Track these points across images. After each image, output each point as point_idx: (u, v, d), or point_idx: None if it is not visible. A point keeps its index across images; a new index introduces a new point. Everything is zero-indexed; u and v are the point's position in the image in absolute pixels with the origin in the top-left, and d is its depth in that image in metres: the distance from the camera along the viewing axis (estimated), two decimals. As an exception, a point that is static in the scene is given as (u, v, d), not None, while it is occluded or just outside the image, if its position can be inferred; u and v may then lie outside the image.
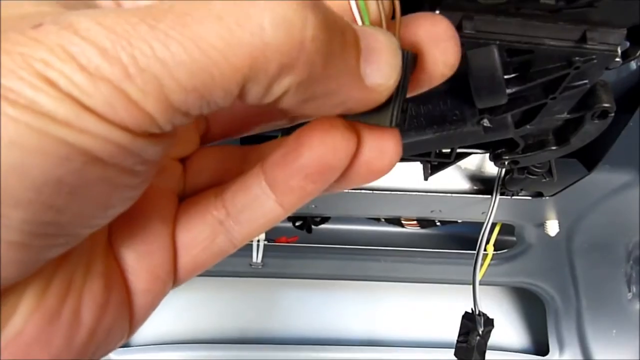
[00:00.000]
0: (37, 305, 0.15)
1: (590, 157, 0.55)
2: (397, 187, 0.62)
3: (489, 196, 0.59)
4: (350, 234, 0.94)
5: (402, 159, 0.18)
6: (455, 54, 0.17)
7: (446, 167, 0.50)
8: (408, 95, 0.17)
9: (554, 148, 0.45)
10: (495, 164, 0.48)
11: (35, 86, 0.12)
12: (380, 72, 0.15)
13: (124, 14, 0.13)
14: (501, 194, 0.59)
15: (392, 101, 0.16)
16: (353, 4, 0.16)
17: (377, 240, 0.94)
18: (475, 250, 0.64)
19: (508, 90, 0.36)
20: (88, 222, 0.15)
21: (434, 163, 0.49)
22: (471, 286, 0.64)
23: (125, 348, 0.90)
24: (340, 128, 0.17)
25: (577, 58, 0.34)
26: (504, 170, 0.56)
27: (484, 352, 0.63)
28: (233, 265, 0.84)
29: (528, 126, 0.41)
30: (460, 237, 0.95)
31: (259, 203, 0.19)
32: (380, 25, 0.16)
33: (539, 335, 0.96)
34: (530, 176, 0.50)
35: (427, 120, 0.39)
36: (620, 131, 0.50)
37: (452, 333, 0.66)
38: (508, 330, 0.99)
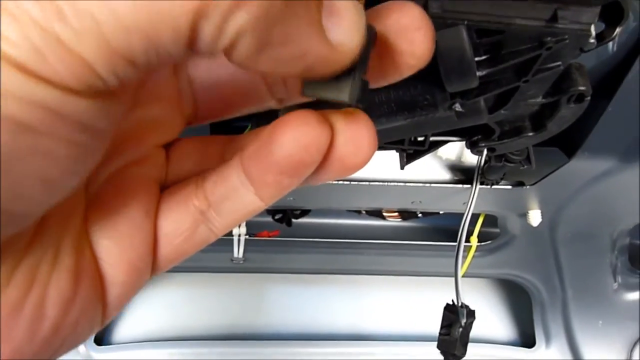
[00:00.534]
0: None
1: (569, 144, 0.54)
2: (376, 177, 0.61)
3: (470, 186, 0.58)
4: (332, 227, 0.93)
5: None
6: (423, 45, 0.16)
7: (422, 156, 0.48)
8: (375, 86, 0.17)
9: (530, 134, 0.44)
10: (472, 151, 0.47)
11: None
12: (343, 29, 0.14)
13: None
14: (481, 184, 0.58)
15: (352, 75, 0.16)
16: None
17: (360, 233, 0.93)
18: (458, 242, 0.62)
19: (479, 73, 0.34)
20: (28, 202, 0.13)
21: (409, 151, 0.48)
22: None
23: (107, 346, 0.88)
24: (313, 123, 0.16)
25: (548, 38, 0.33)
26: (483, 159, 0.55)
27: (467, 343, 0.63)
28: (214, 261, 0.83)
29: (502, 111, 0.40)
30: (446, 230, 0.94)
31: (238, 195, 0.18)
32: None
33: (526, 327, 0.96)
34: (508, 164, 0.49)
35: (397, 106, 0.38)
36: (599, 117, 0.49)
37: (437, 326, 0.65)
38: (495, 322, 0.98)
